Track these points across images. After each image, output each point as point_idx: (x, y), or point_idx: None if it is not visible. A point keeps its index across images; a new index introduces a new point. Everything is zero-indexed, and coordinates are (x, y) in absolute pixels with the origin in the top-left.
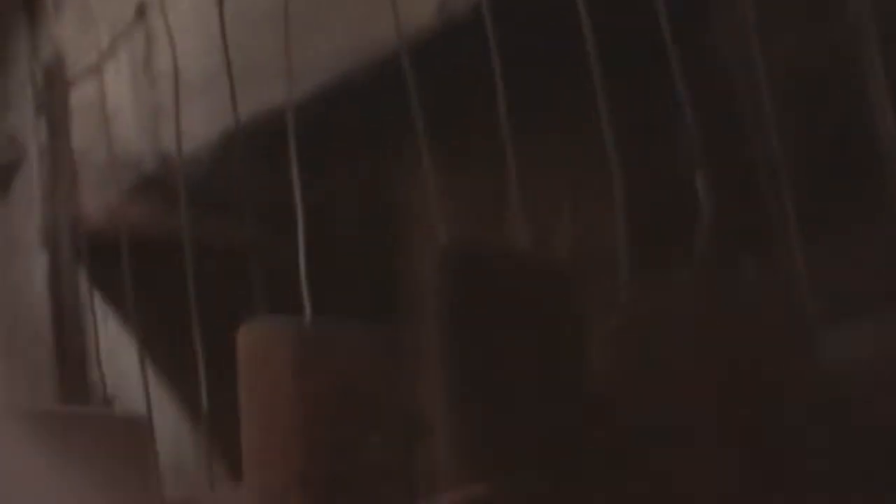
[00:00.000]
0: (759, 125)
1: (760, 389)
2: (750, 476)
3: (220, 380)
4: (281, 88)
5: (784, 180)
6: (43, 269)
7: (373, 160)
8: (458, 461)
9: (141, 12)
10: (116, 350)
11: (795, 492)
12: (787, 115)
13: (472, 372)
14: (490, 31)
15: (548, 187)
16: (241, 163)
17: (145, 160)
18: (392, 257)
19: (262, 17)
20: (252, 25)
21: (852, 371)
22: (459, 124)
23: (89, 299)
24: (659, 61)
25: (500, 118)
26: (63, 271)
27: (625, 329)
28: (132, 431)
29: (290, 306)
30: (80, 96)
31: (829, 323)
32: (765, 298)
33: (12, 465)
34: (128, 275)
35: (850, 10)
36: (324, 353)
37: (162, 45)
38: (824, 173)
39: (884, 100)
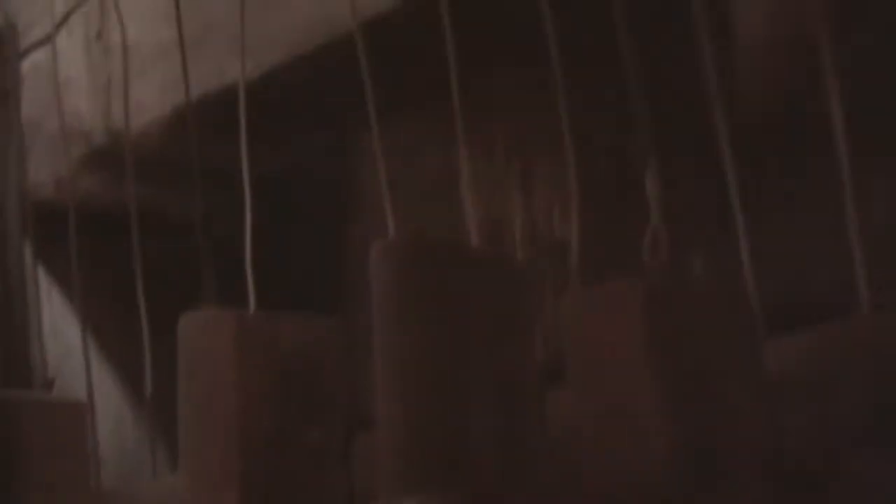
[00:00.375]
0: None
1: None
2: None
3: (167, 362)
4: (235, 63)
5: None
6: None
7: (327, 138)
8: (395, 458)
9: None
10: (61, 327)
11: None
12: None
13: (412, 366)
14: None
15: (500, 173)
16: (193, 138)
17: (96, 132)
18: (343, 239)
19: None
20: None
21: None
22: (414, 106)
23: (34, 272)
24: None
25: (454, 103)
26: (9, 242)
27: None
28: (70, 417)
29: (239, 284)
30: (32, 65)
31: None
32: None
33: None
34: (74, 249)
35: None
36: (264, 343)
37: (116, 16)
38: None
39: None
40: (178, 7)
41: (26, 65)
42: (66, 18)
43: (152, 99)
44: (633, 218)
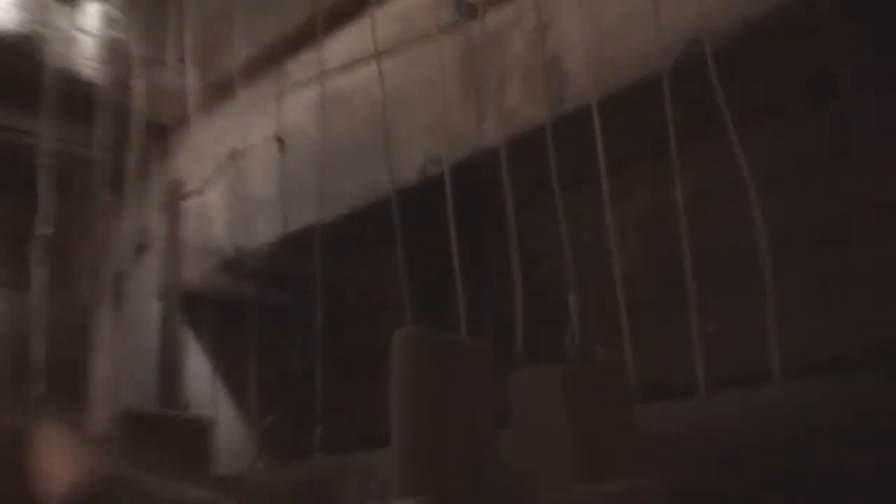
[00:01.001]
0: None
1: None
2: None
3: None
4: (316, 212)
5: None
6: (157, 312)
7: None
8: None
9: (233, 156)
10: (199, 371)
11: None
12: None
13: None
14: (448, 189)
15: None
16: (290, 257)
17: (227, 249)
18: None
19: (306, 162)
20: (300, 167)
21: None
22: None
23: (184, 335)
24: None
25: (452, 253)
26: (170, 317)
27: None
28: (198, 427)
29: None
30: (189, 206)
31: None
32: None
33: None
34: (210, 322)
35: None
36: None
37: (243, 178)
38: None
39: None
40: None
41: (186, 206)
42: (211, 179)
43: (264, 230)
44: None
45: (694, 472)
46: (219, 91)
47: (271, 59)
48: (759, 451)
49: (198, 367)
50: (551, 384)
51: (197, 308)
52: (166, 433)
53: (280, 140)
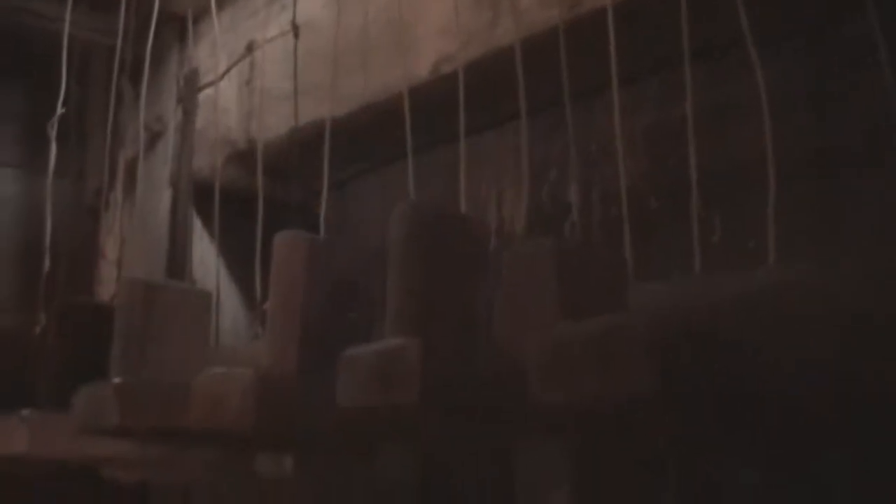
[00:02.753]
0: None
1: None
2: None
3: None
4: (328, 107)
5: None
6: (168, 200)
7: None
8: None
9: (249, 49)
10: (205, 256)
11: None
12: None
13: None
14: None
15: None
16: (299, 150)
17: (239, 141)
18: None
19: (320, 58)
20: (314, 62)
21: None
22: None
23: (192, 222)
24: None
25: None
26: (179, 206)
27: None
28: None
29: None
30: (204, 97)
31: None
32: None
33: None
34: (218, 210)
35: None
36: (326, 256)
37: (258, 71)
38: None
39: None
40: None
41: (201, 97)
42: (227, 71)
43: (276, 123)
44: None
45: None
46: None
47: None
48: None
49: (204, 256)
50: (543, 252)
51: (206, 198)
52: (169, 301)
53: (296, 27)
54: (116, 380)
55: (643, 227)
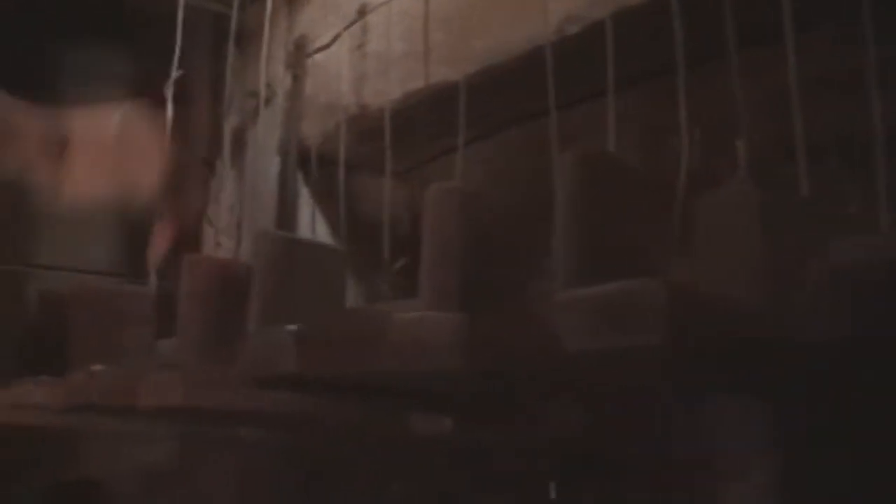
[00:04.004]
0: None
1: None
2: None
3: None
4: (445, 70)
5: None
6: (276, 168)
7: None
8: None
9: (362, 12)
10: (311, 223)
11: None
12: None
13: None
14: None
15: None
16: (419, 118)
17: (351, 106)
18: None
19: (436, 20)
20: (429, 24)
21: None
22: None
23: (300, 191)
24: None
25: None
26: (289, 173)
27: None
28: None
29: None
30: (314, 62)
31: None
32: None
33: None
34: (328, 179)
35: None
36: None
37: (372, 34)
38: None
39: None
40: (426, 30)
41: (311, 62)
42: (338, 35)
43: (389, 88)
44: None
45: None
46: None
47: None
48: None
49: (310, 223)
50: (748, 200)
51: (315, 165)
52: (307, 256)
53: None
54: (291, 326)
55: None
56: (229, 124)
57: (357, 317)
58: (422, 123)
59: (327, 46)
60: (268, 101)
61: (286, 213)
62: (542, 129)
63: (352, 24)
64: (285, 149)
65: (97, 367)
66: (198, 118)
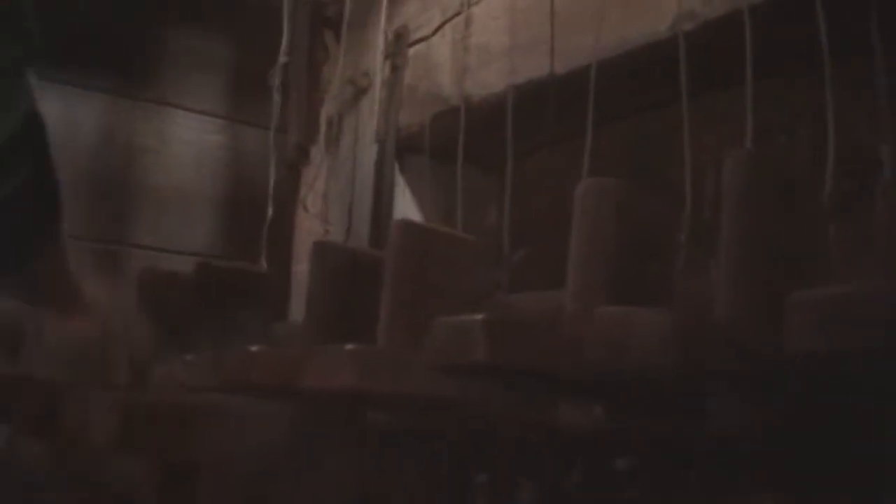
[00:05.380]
0: None
1: None
2: None
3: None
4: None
5: None
6: (372, 156)
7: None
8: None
9: (465, 3)
10: (408, 214)
11: None
12: None
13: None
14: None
15: None
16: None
17: (452, 98)
18: None
19: (540, 13)
20: (533, 17)
21: None
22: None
23: (396, 177)
24: None
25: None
26: (386, 160)
27: None
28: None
29: None
30: (415, 52)
31: None
32: None
33: None
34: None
35: None
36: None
37: (474, 27)
38: None
39: None
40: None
41: (412, 52)
42: (441, 26)
43: (491, 81)
44: None
45: None
46: None
47: None
48: None
49: (407, 213)
50: None
51: (410, 154)
52: (443, 247)
53: None
54: (479, 315)
55: None
56: (325, 111)
57: (550, 308)
58: (523, 116)
59: (429, 37)
60: (365, 89)
61: (383, 201)
62: (645, 124)
63: (454, 16)
64: (383, 137)
65: (255, 348)
66: (295, 105)
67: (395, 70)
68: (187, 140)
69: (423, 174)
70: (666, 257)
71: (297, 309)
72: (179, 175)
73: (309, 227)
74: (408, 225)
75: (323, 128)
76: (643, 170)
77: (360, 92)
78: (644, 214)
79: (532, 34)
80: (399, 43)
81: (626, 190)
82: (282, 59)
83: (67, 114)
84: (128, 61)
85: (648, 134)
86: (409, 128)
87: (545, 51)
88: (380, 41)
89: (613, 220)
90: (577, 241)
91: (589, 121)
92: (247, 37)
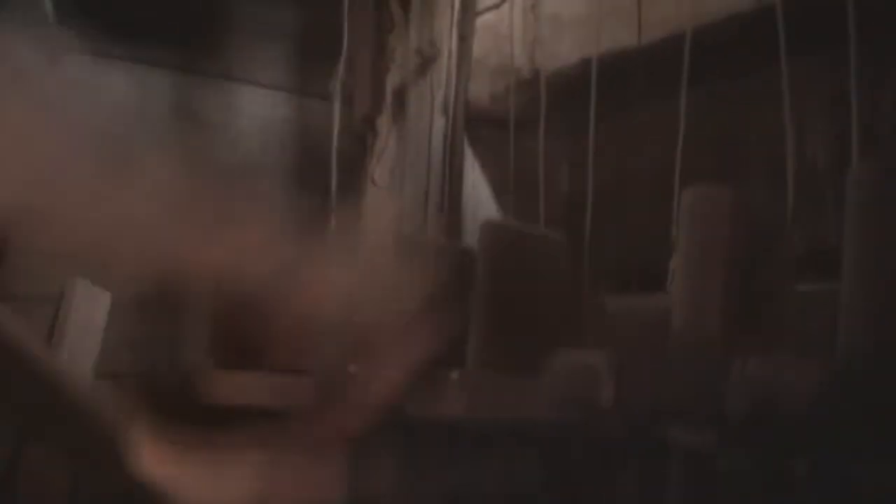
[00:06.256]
0: None
1: None
2: None
3: None
4: (626, 34)
5: None
6: (441, 129)
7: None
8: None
9: None
10: (477, 186)
11: None
12: None
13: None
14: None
15: None
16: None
17: (523, 69)
18: None
19: None
20: None
21: None
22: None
23: (465, 151)
24: None
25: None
26: (455, 132)
27: None
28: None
29: None
30: (483, 22)
31: None
32: None
33: None
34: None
35: None
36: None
37: None
38: None
39: None
40: None
41: (479, 22)
42: None
43: (565, 51)
44: None
45: None
46: None
47: None
48: None
49: (476, 185)
50: None
51: (479, 126)
52: (532, 248)
53: None
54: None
55: None
56: (391, 82)
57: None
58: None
59: (497, 6)
60: (431, 60)
61: (453, 174)
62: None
63: None
64: (451, 109)
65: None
66: (360, 76)
67: (463, 40)
68: (252, 114)
69: (491, 146)
70: (777, 266)
71: None
72: (245, 149)
73: (378, 202)
74: (495, 226)
75: (389, 99)
76: (720, 138)
77: (427, 62)
78: (756, 223)
79: (609, 3)
80: (466, 13)
81: (741, 200)
82: (346, 29)
83: (137, 90)
84: (195, 36)
85: (726, 102)
86: (478, 100)
87: (627, 21)
88: (448, 10)
89: (727, 227)
90: (687, 250)
91: (683, 89)
92: (312, 8)
